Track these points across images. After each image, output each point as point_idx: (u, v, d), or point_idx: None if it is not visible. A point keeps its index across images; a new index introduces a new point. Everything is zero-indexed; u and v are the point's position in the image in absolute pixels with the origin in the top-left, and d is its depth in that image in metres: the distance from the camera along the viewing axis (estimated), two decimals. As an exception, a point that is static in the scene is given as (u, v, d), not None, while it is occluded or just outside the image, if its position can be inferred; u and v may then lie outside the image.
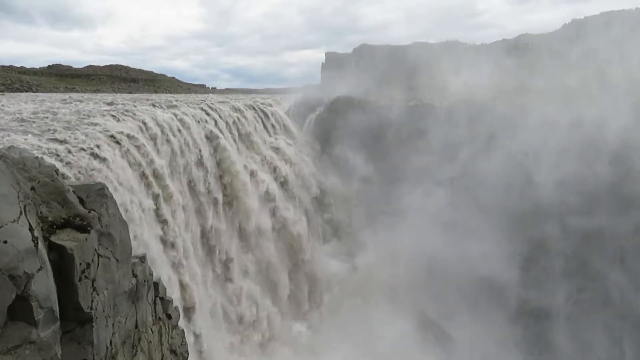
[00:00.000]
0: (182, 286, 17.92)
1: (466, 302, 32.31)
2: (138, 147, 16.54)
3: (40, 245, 4.17)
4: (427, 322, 31.44)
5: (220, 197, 23.89)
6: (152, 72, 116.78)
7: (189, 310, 17.95)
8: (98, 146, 13.91)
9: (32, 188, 4.65)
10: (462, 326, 30.74)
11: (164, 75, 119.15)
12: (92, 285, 4.94)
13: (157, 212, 16.93)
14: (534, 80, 45.93)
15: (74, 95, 40.45)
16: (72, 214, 4.92)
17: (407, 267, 33.26)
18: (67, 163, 11.95)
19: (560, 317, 31.36)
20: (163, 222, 17.26)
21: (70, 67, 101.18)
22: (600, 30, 50.76)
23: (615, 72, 41.15)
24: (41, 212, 4.63)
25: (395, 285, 32.49)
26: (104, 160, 13.59)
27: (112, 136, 15.28)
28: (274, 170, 31.23)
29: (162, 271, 15.50)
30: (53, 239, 4.53)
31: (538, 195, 33.77)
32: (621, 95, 36.31)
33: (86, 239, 4.85)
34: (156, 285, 7.86)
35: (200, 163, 22.16)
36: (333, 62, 79.78)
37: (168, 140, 19.53)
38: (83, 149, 13.13)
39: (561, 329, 30.93)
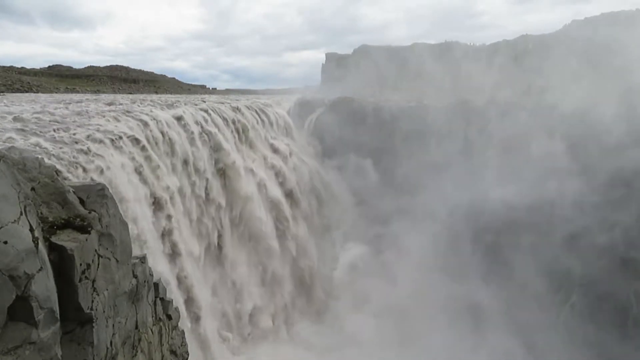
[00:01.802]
0: (183, 285, 17.93)
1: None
2: (138, 148, 16.57)
3: (41, 245, 4.17)
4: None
5: (220, 197, 23.91)
6: (152, 73, 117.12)
7: (191, 311, 17.96)
8: (98, 146, 13.92)
9: (33, 189, 4.65)
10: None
11: (164, 76, 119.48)
12: (93, 285, 4.94)
13: (157, 211, 16.94)
14: (534, 80, 45.98)
15: (75, 96, 40.47)
16: (72, 215, 4.92)
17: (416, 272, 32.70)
18: (67, 163, 11.97)
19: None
20: (162, 221, 17.28)
21: (71, 67, 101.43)
22: (601, 31, 50.79)
23: (615, 73, 41.15)
24: (41, 213, 4.63)
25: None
26: (104, 161, 13.61)
27: (112, 137, 15.30)
28: (275, 170, 31.25)
29: (160, 269, 15.50)
30: (53, 239, 4.54)
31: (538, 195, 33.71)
32: (621, 96, 36.30)
33: (86, 240, 4.85)
34: (156, 285, 7.86)
35: (200, 164, 22.18)
36: (333, 62, 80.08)
37: (168, 141, 19.56)
38: (83, 150, 13.15)
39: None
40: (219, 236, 23.40)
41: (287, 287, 28.61)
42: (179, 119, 21.73)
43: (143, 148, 16.92)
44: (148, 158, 17.03)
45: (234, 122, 28.32)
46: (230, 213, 25.03)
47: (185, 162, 20.76)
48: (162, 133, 19.24)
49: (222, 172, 24.60)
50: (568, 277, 29.89)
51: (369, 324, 28.42)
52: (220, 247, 23.40)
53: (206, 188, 22.54)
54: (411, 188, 37.71)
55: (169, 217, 17.68)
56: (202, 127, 23.62)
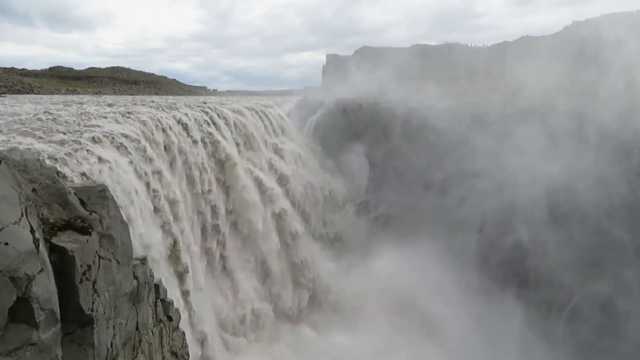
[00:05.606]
0: (182, 287, 17.93)
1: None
2: (139, 149, 16.57)
3: (42, 247, 4.17)
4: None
5: (220, 198, 23.90)
6: (153, 74, 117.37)
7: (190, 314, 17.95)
8: (98, 148, 13.93)
9: (34, 190, 4.65)
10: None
11: (165, 77, 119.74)
12: (93, 287, 4.94)
13: (158, 213, 16.94)
14: (534, 81, 45.94)
15: (76, 97, 40.50)
16: (73, 216, 4.92)
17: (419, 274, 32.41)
18: (68, 165, 11.97)
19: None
20: (163, 223, 17.27)
21: (72, 69, 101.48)
22: (602, 32, 50.74)
23: (616, 74, 41.11)
24: (42, 214, 4.63)
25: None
26: (104, 162, 13.61)
27: (113, 138, 15.30)
28: (275, 172, 31.24)
29: (162, 273, 15.50)
30: (54, 240, 4.54)
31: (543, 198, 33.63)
32: (621, 97, 36.25)
33: (87, 241, 4.85)
34: (157, 287, 7.86)
35: (201, 165, 22.18)
36: (334, 63, 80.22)
37: (168, 142, 19.57)
38: (83, 151, 13.15)
39: None
40: (220, 239, 23.38)
41: (288, 291, 28.58)
42: (179, 120, 21.75)
43: (143, 149, 16.92)
44: (148, 159, 17.04)
45: (234, 124, 28.34)
46: (231, 215, 25.01)
47: (186, 164, 20.76)
48: (163, 134, 19.25)
49: (223, 174, 24.60)
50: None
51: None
52: (220, 249, 23.38)
53: (207, 190, 22.53)
54: (412, 190, 37.67)
55: (168, 219, 17.67)
56: (202, 128, 23.63)
